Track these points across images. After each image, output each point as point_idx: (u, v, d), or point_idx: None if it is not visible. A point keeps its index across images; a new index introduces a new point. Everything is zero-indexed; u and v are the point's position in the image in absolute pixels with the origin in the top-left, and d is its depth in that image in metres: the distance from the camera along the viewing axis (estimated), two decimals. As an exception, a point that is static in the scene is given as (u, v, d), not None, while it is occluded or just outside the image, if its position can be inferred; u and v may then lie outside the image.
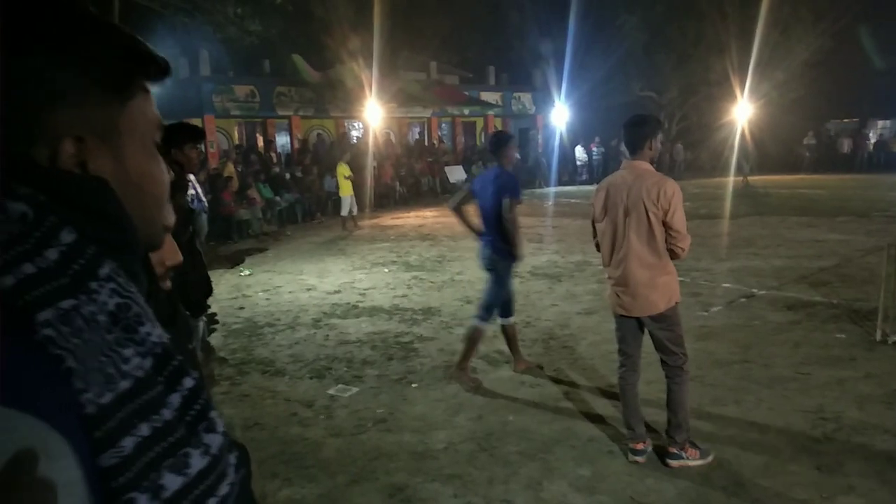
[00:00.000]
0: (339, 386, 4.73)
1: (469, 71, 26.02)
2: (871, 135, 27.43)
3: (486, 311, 4.64)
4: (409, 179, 19.65)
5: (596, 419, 3.99)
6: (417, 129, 24.94)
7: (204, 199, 7.86)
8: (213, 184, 13.19)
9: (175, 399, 0.58)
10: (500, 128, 27.15)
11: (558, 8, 23.90)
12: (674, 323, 3.42)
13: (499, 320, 4.78)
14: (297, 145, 20.25)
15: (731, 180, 19.49)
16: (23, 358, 0.50)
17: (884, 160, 25.57)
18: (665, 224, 3.25)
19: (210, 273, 4.69)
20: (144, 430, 0.54)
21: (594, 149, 24.59)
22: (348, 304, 7.17)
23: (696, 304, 6.54)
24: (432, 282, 8.17)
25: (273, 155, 18.29)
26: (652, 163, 3.36)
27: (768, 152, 24.70)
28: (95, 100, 0.61)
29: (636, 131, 3.34)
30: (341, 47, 18.65)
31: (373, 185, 16.72)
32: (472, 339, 4.64)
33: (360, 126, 22.06)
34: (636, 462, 3.42)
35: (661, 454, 3.44)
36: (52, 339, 0.51)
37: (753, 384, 4.43)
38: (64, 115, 0.58)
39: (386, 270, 9.03)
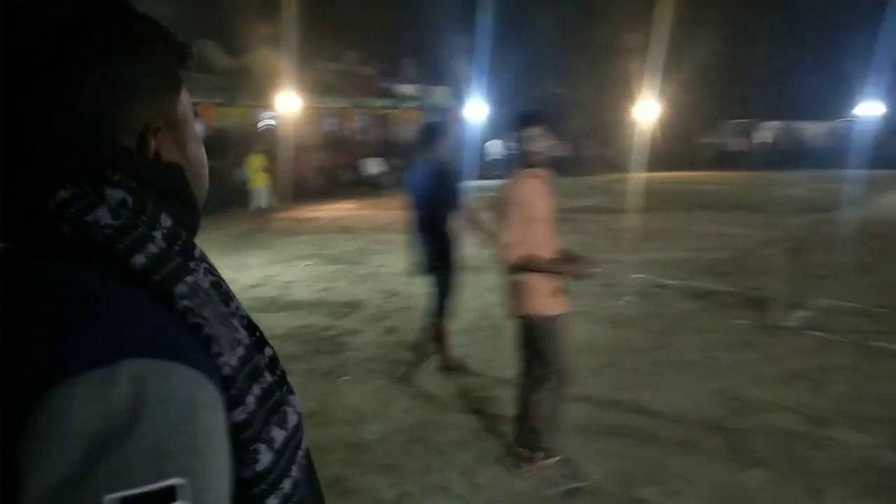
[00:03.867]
0: (267, 381, 4.66)
1: (386, 63, 25.91)
2: (761, 134, 29.48)
3: (439, 310, 4.49)
4: (327, 171, 19.38)
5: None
6: (333, 120, 24.62)
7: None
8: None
9: (265, 363, 0.66)
10: (417, 121, 27.28)
11: (475, 3, 24.17)
12: (530, 336, 3.21)
13: (434, 317, 4.59)
14: (207, 133, 19.50)
15: (637, 176, 20.42)
16: (178, 326, 0.58)
17: (774, 158, 27.54)
18: None
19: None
20: (257, 390, 0.62)
21: (509, 143, 25.09)
22: (270, 298, 7.04)
23: (611, 295, 6.86)
24: (356, 274, 8.14)
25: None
26: (529, 162, 3.13)
27: (671, 150, 26.07)
28: (163, 93, 0.68)
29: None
30: (254, 34, 18.13)
31: (289, 177, 16.38)
32: (438, 335, 4.56)
33: (274, 116, 21.54)
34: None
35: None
36: (191, 310, 0.59)
37: (666, 368, 4.72)
38: (142, 109, 0.65)
39: (307, 263, 8.91)
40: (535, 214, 3.09)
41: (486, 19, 23.57)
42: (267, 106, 20.27)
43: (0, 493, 0.49)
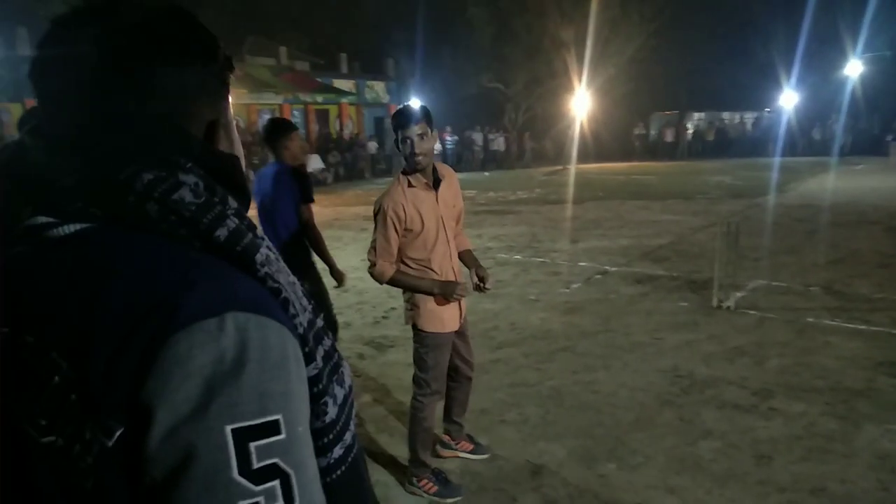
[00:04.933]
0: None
1: (321, 57, 25.56)
2: (689, 125, 30.62)
3: None
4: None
5: (483, 391, 4.19)
6: (268, 117, 24.14)
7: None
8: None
9: (325, 333, 0.74)
10: (353, 117, 27.05)
11: (409, -2, 24.13)
12: (419, 346, 3.01)
13: None
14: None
15: (572, 168, 20.92)
16: (264, 289, 0.67)
17: (701, 148, 28.67)
18: None
19: None
20: (322, 350, 0.71)
21: (447, 138, 25.18)
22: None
23: (558, 282, 7.03)
24: (302, 272, 8.03)
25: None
26: (408, 167, 2.85)
27: (603, 142, 26.77)
28: (221, 95, 0.77)
29: None
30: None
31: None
32: None
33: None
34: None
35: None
36: (270, 276, 0.68)
37: (617, 350, 4.89)
38: (208, 107, 0.74)
39: (251, 262, 8.74)
40: (413, 228, 2.82)
41: (421, 13, 23.57)
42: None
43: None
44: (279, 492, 0.57)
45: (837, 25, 24.03)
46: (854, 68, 25.22)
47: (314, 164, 20.09)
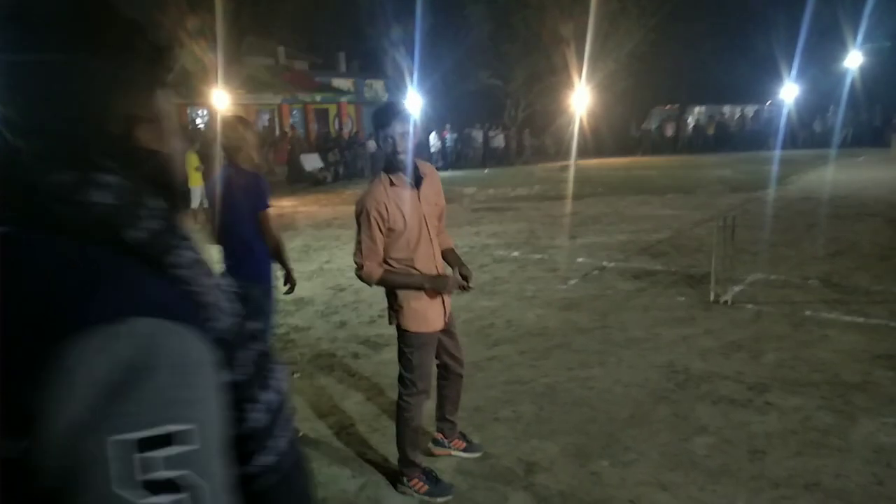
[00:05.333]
0: (216, 382, 4.56)
1: (319, 57, 25.56)
2: (689, 120, 30.55)
3: None
4: (262, 169, 18.95)
5: (477, 389, 4.17)
6: (267, 116, 24.13)
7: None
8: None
9: (255, 335, 0.72)
10: (352, 116, 27.04)
11: (407, -5, 24.07)
12: (403, 345, 2.99)
13: None
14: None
15: (572, 164, 20.87)
16: (175, 292, 0.64)
17: (701, 142, 28.60)
18: None
19: None
20: (248, 355, 0.68)
21: (447, 136, 25.15)
22: (213, 298, 6.88)
23: (556, 279, 7.01)
24: (300, 272, 8.00)
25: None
26: (392, 164, 2.83)
27: (603, 137, 26.70)
28: (144, 88, 0.73)
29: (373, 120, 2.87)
30: (179, 28, 17.53)
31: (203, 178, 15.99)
32: None
33: (205, 113, 20.96)
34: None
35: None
36: (185, 278, 0.66)
37: (613, 346, 4.86)
38: (126, 101, 0.70)
39: (249, 262, 8.72)
40: (395, 227, 2.78)
41: (419, 11, 23.52)
42: (198, 103, 19.71)
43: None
44: None
45: (837, 16, 23.93)
46: (854, 60, 25.10)
47: (312, 163, 20.09)
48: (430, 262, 2.92)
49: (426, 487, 3.05)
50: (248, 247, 3.48)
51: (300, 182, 19.40)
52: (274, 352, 0.76)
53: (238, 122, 3.63)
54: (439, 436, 3.43)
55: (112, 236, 0.64)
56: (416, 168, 2.87)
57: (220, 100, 17.97)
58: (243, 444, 0.66)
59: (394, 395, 4.13)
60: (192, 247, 0.70)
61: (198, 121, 21.66)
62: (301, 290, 7.09)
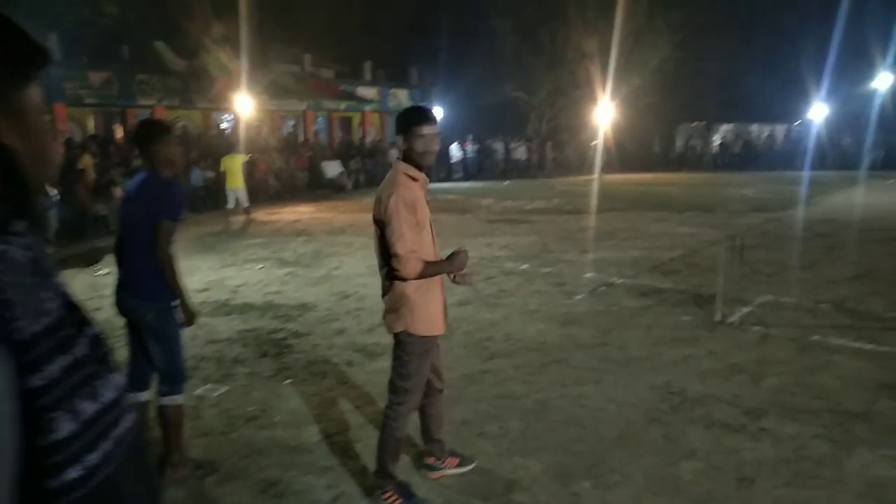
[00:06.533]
0: (208, 386, 4.56)
1: (345, 65, 25.74)
2: (715, 137, 30.18)
3: (173, 381, 3.28)
4: (284, 174, 19.12)
5: (467, 402, 4.11)
6: (291, 123, 24.35)
7: (49, 192, 7.22)
8: (64, 176, 12.15)
9: (84, 340, 0.70)
10: (376, 124, 27.18)
11: (434, 6, 24.21)
12: (403, 352, 2.94)
13: (158, 398, 3.31)
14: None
15: (594, 178, 20.71)
16: None
17: (727, 160, 28.22)
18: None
19: (63, 272, 4.32)
20: (64, 360, 0.65)
21: (468, 147, 25.13)
22: (217, 301, 6.90)
23: (561, 293, 6.92)
24: (307, 277, 8.04)
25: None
26: (414, 163, 2.84)
27: (627, 152, 26.48)
28: (5, 85, 0.71)
29: (398, 122, 2.86)
30: (207, 35, 17.81)
31: (245, 180, 16.15)
32: (174, 422, 3.31)
33: (230, 118, 21.22)
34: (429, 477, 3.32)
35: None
36: None
37: (611, 364, 4.76)
38: None
39: (258, 267, 8.77)
40: (421, 219, 2.82)
41: (445, 22, 23.62)
42: (223, 108, 19.96)
43: None
44: None
45: (867, 37, 23.47)
46: (884, 81, 24.60)
47: (334, 169, 20.20)
48: (436, 257, 2.98)
49: (399, 501, 2.99)
50: (144, 260, 3.11)
51: (321, 188, 19.52)
52: (107, 360, 0.72)
53: (157, 125, 3.36)
54: (431, 460, 3.35)
55: None
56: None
57: (245, 105, 18.19)
58: (44, 456, 0.62)
59: (381, 406, 4.10)
60: (26, 245, 0.67)
61: (223, 125, 21.93)
62: (306, 295, 7.12)
